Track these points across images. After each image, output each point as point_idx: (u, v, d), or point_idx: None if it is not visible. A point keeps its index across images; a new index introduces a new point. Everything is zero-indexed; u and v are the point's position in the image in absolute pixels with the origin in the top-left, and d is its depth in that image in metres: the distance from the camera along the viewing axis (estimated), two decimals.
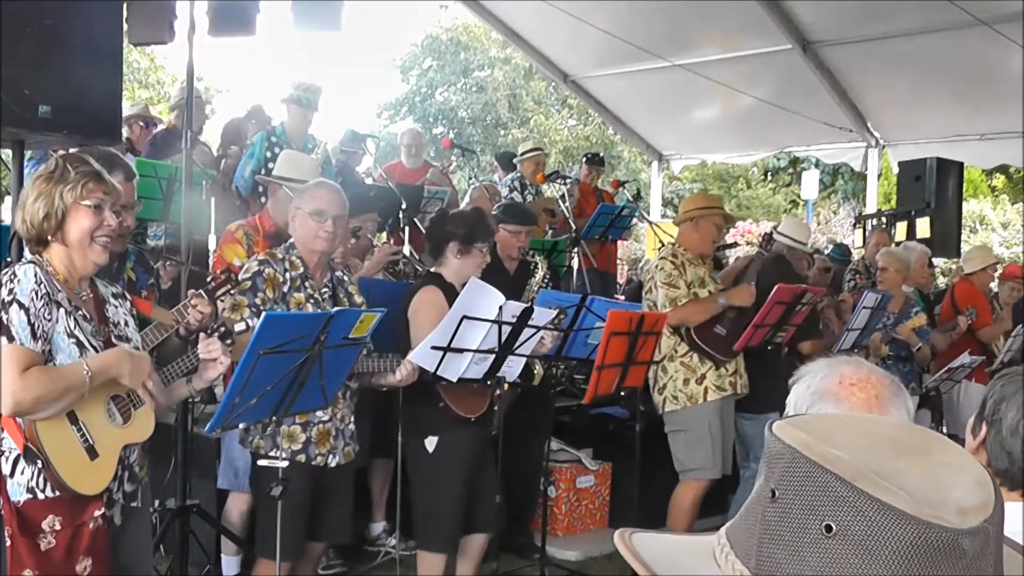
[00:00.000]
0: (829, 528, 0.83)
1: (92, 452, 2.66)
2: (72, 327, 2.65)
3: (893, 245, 7.87)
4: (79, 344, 2.65)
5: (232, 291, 3.48)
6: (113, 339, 2.79)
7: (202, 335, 3.01)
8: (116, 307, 2.90)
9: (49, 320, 2.59)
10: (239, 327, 3.14)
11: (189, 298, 3.24)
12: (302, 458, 3.64)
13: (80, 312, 2.71)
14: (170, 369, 2.99)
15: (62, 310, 2.64)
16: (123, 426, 2.77)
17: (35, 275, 2.60)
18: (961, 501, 0.83)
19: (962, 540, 0.81)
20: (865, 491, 0.83)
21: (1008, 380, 1.75)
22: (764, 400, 5.19)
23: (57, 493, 2.61)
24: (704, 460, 4.98)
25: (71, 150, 4.46)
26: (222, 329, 3.06)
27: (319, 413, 3.66)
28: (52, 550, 2.57)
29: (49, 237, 2.68)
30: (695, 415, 4.99)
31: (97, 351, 2.70)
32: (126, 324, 2.89)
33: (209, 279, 3.30)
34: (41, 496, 2.59)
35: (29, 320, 2.54)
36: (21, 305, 2.55)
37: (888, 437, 0.91)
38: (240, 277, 3.66)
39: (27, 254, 2.75)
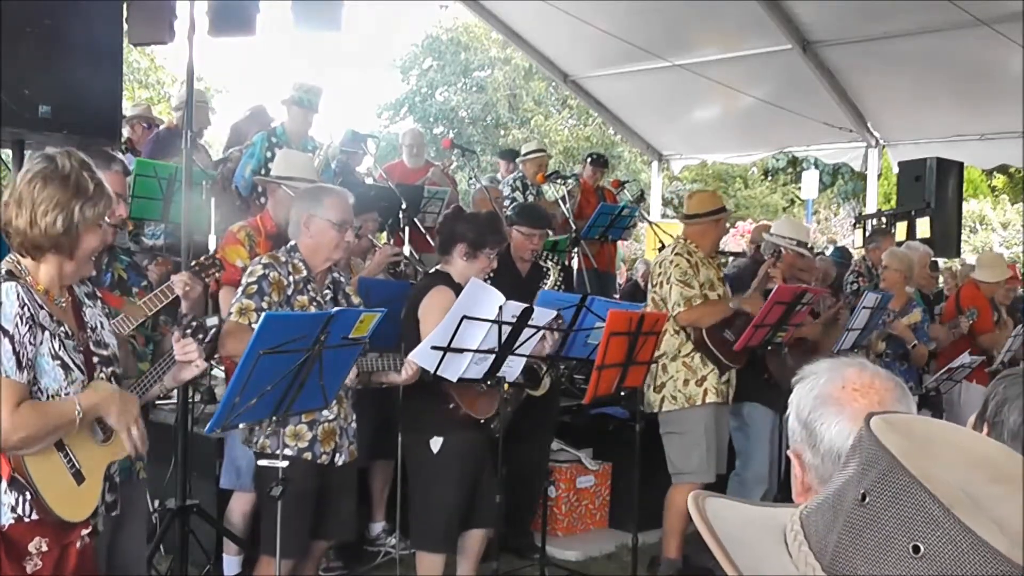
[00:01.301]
0: (917, 548, 0.82)
1: (79, 477, 2.60)
2: (56, 348, 2.54)
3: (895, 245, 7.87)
4: (64, 366, 2.56)
5: (216, 274, 3.47)
6: (91, 346, 2.70)
7: (176, 334, 2.91)
8: (91, 307, 2.80)
9: (33, 345, 2.48)
10: (211, 321, 3.09)
11: (173, 280, 3.22)
12: (308, 456, 3.66)
13: (62, 328, 2.59)
14: (151, 372, 2.92)
15: (47, 332, 2.52)
16: (105, 443, 2.71)
17: (18, 296, 2.47)
18: None
19: None
20: (962, 520, 0.81)
21: (1010, 382, 1.74)
22: (739, 391, 5.23)
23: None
24: (698, 464, 4.99)
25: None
26: (194, 324, 2.99)
27: (325, 412, 3.68)
28: (38, 572, 2.51)
29: (60, 251, 2.54)
30: (692, 418, 5.01)
31: (81, 369, 2.61)
32: (102, 327, 2.80)
33: (194, 263, 3.28)
34: (27, 519, 2.51)
35: (14, 349, 2.43)
36: (5, 332, 2.43)
37: (986, 457, 0.90)
38: (245, 280, 3.66)
39: (3, 264, 2.59)
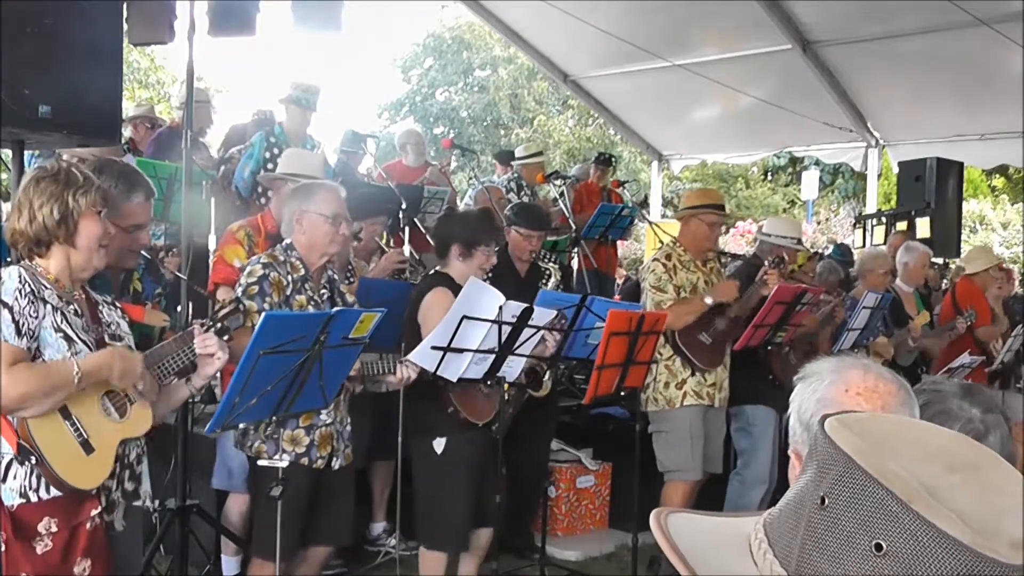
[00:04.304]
0: (879, 547, 0.82)
1: (87, 447, 2.65)
2: (59, 322, 2.64)
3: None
4: (67, 338, 2.64)
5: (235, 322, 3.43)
6: (106, 338, 2.79)
7: (197, 329, 3.00)
8: (110, 310, 2.92)
9: (35, 317, 2.58)
10: (235, 323, 3.13)
11: (192, 332, 3.11)
12: (305, 461, 3.65)
13: (71, 307, 2.71)
14: (162, 367, 2.97)
15: (48, 306, 2.63)
16: (119, 421, 2.76)
17: (19, 276, 2.60)
18: (1013, 533, 0.82)
19: (1012, 574, 0.80)
20: (920, 514, 0.81)
21: (951, 416, 1.74)
22: (733, 396, 5.23)
23: (52, 494, 2.59)
24: (682, 461, 5.01)
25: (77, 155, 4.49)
26: (218, 326, 3.05)
27: (322, 416, 3.67)
28: (49, 553, 2.56)
29: (60, 240, 2.68)
30: (675, 417, 5.03)
31: (88, 345, 2.69)
32: (118, 326, 2.90)
33: (217, 307, 3.23)
34: (34, 498, 2.57)
35: (13, 318, 2.54)
36: (4, 304, 2.55)
37: (940, 448, 0.90)
38: (245, 281, 3.65)
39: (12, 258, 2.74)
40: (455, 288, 4.13)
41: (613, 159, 9.76)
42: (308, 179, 4.66)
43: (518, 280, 5.09)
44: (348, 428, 3.84)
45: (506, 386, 4.12)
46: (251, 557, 3.81)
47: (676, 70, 10.19)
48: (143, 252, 3.67)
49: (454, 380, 3.93)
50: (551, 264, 5.52)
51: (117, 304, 3.00)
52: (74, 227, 2.68)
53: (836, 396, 1.54)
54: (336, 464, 3.75)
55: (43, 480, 2.58)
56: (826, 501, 0.87)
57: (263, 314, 3.23)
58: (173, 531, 3.96)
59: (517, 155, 8.81)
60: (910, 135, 10.97)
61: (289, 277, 3.70)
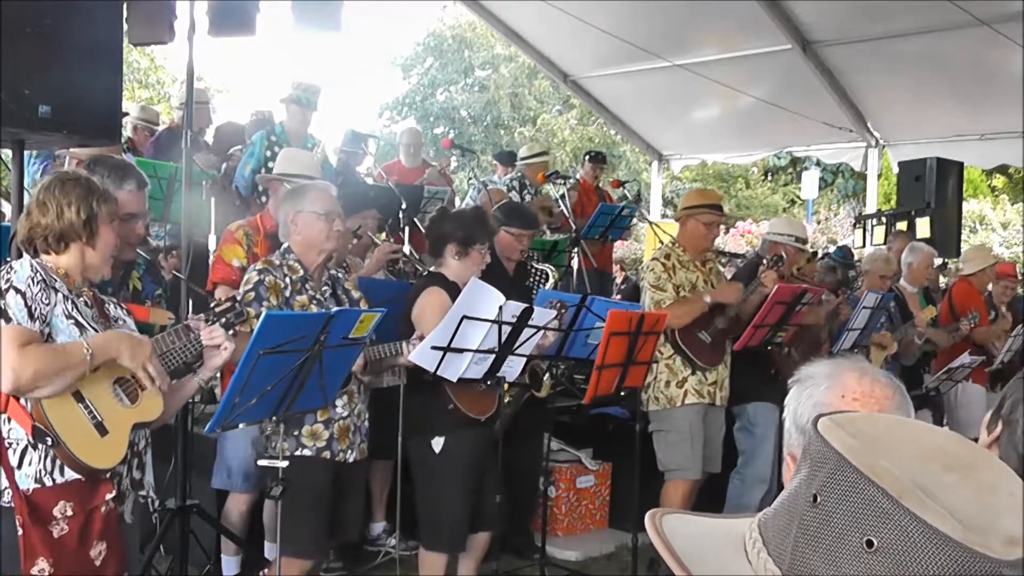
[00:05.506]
0: (870, 543, 0.83)
1: (101, 429, 2.68)
2: (70, 309, 2.70)
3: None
4: (78, 324, 2.70)
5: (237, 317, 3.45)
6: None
7: (202, 323, 3.03)
8: (115, 308, 2.97)
9: (47, 304, 2.64)
10: (236, 318, 3.15)
11: (188, 325, 3.11)
12: (327, 455, 3.69)
13: (81, 299, 2.78)
14: (166, 360, 2.98)
15: (59, 294, 2.69)
16: (130, 406, 2.79)
17: (31, 266, 2.68)
18: (1009, 530, 0.82)
19: (1004, 571, 0.80)
20: (911, 510, 0.81)
21: None
22: (735, 394, 5.23)
23: (67, 477, 2.62)
24: (683, 460, 5.02)
25: (81, 159, 4.51)
26: (223, 320, 3.08)
27: (339, 409, 3.72)
28: (65, 537, 2.59)
29: (83, 239, 2.76)
30: (675, 416, 5.04)
31: (97, 331, 2.74)
32: (124, 322, 2.95)
33: (213, 305, 3.24)
34: (49, 483, 2.60)
35: (26, 303, 2.60)
36: (17, 290, 2.61)
37: (936, 448, 0.90)
38: (242, 289, 3.70)
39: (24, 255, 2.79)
40: (450, 287, 4.14)
41: (604, 156, 9.72)
42: (304, 179, 4.68)
43: (507, 279, 5.09)
44: (366, 423, 3.89)
45: (506, 386, 4.12)
46: (280, 557, 3.81)
47: (676, 70, 10.19)
48: (143, 253, 3.68)
49: (454, 380, 3.93)
50: (547, 266, 5.52)
51: (121, 304, 3.05)
52: (96, 229, 2.78)
53: (832, 401, 1.54)
54: (351, 457, 3.78)
55: (58, 464, 2.62)
56: (818, 499, 0.87)
57: (263, 314, 3.24)
58: (173, 531, 3.95)
59: (521, 155, 8.80)
60: (910, 135, 10.97)
61: (287, 279, 3.72)
